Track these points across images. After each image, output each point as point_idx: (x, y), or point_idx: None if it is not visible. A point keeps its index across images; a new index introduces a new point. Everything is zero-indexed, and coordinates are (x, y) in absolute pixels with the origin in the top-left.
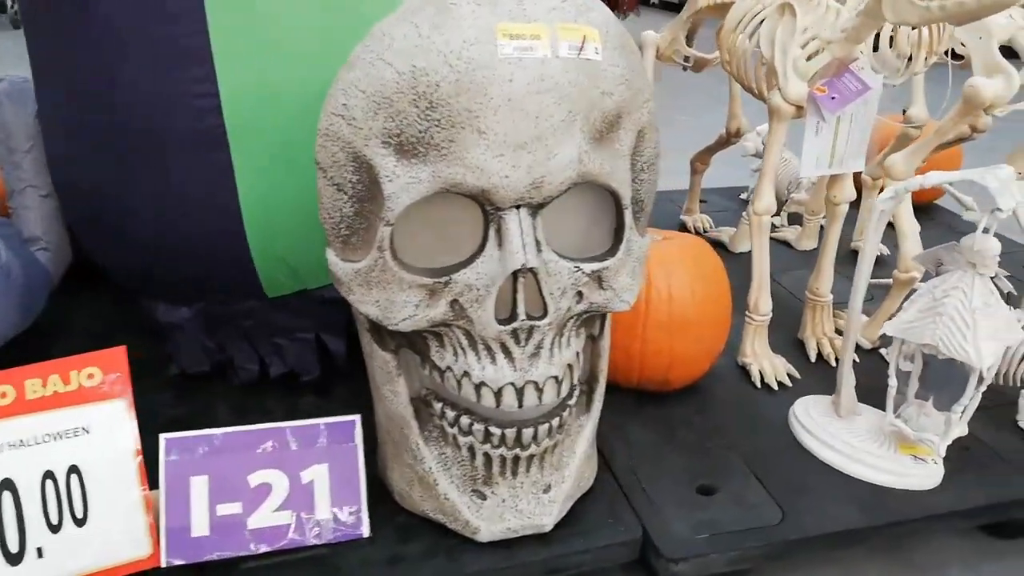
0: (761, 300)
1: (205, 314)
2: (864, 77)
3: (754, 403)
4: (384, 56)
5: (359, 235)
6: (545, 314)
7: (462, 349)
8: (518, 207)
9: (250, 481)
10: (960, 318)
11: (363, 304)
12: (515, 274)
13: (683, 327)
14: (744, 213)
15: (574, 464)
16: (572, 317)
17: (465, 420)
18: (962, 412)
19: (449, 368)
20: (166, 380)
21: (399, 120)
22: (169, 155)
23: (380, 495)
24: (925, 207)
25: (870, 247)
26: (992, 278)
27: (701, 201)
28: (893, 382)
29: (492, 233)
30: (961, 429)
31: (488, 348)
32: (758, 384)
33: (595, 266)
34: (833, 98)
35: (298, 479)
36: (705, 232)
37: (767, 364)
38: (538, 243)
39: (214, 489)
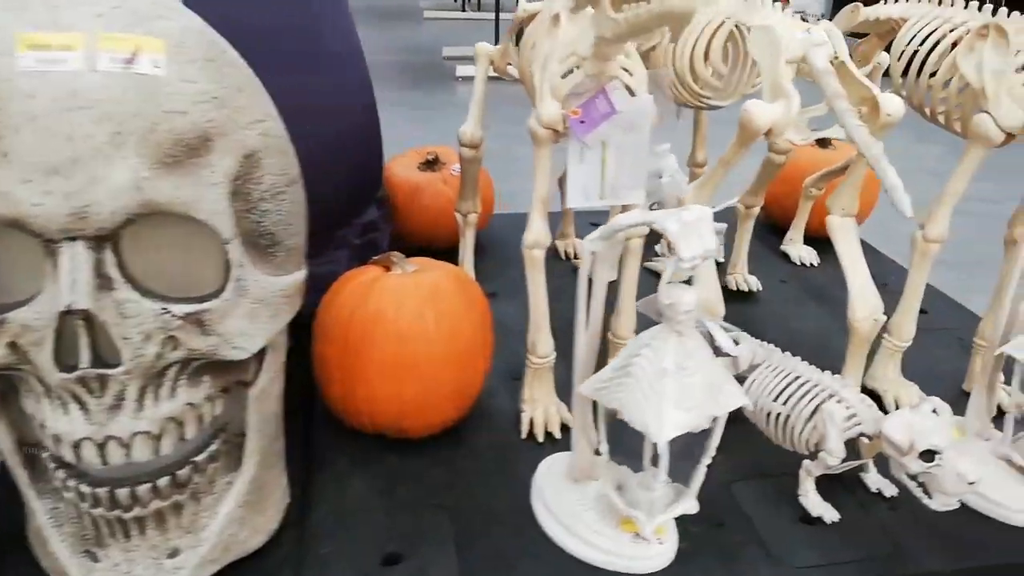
0: (539, 341)
1: None
2: (615, 99)
3: (515, 456)
4: None
5: None
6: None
7: (38, 397)
8: (73, 239)
9: None
10: (646, 381)
11: None
12: (72, 316)
13: (413, 369)
14: None
15: (215, 526)
16: (174, 365)
17: (61, 474)
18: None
19: (33, 416)
20: None
21: None
22: None
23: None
24: None
25: (594, 287)
26: (712, 336)
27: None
28: (604, 447)
29: (49, 269)
30: (688, 506)
31: (60, 397)
32: (523, 434)
33: (189, 308)
34: (583, 122)
35: None
36: (577, 258)
37: (540, 412)
38: (108, 280)
39: None
